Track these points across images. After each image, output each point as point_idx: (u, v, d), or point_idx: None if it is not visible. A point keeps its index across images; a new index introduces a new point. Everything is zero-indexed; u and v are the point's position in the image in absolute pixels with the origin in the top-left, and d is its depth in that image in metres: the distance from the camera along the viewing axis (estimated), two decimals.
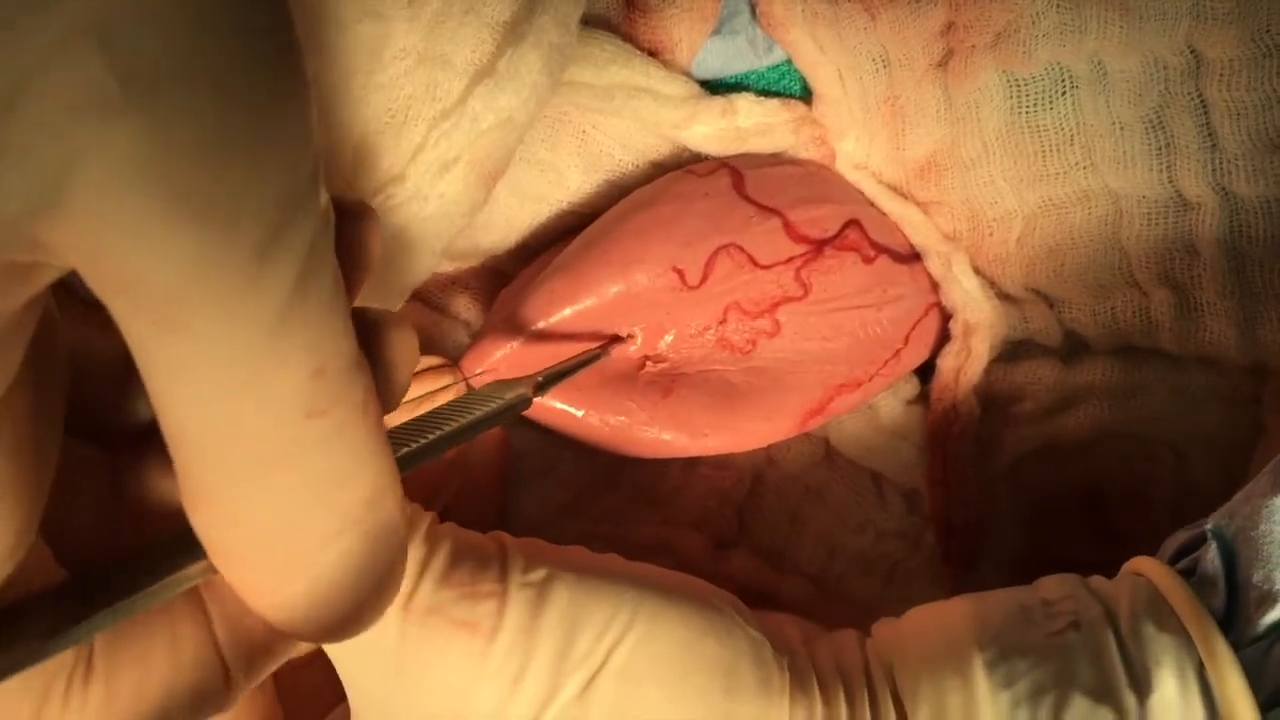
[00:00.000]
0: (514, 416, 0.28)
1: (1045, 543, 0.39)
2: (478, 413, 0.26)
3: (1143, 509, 0.38)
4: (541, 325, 0.35)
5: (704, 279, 0.36)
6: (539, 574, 0.29)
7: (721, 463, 0.41)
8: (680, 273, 0.36)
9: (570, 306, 0.35)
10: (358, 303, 0.34)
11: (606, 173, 0.41)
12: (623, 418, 0.36)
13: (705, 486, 0.40)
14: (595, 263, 0.36)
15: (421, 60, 0.33)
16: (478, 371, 0.34)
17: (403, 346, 0.22)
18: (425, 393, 0.28)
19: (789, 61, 0.39)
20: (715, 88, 0.39)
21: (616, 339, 0.35)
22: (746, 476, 0.41)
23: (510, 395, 0.27)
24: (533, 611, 0.28)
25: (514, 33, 0.33)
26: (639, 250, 0.36)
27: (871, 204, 0.40)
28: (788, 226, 0.37)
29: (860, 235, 0.38)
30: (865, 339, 0.38)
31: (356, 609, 0.18)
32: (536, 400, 0.33)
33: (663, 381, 0.36)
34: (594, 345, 0.34)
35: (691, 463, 0.41)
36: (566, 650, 0.27)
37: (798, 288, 0.37)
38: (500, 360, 0.34)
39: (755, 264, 0.36)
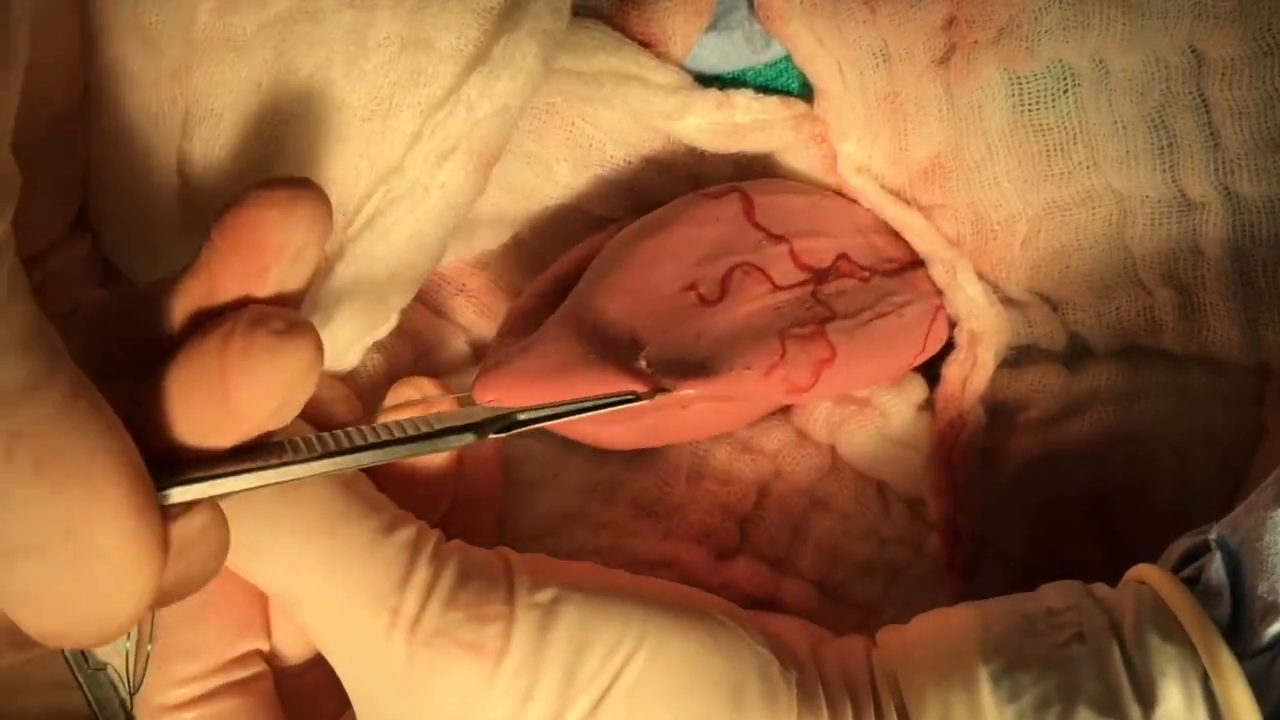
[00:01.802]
0: (454, 448, 0.28)
1: (1049, 547, 0.39)
2: (399, 435, 0.26)
3: (1146, 511, 0.38)
4: (558, 360, 0.34)
5: (722, 294, 0.36)
6: (546, 594, 0.29)
7: (726, 477, 0.40)
8: (694, 288, 0.36)
9: (589, 340, 0.35)
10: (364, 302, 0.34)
11: (597, 167, 0.40)
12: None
13: (709, 501, 0.40)
14: (612, 293, 0.36)
15: (405, 47, 0.33)
16: (488, 401, 0.34)
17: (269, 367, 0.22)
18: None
19: (787, 58, 0.38)
20: (711, 84, 0.39)
21: (658, 389, 0.34)
22: (752, 490, 0.41)
23: (454, 424, 0.27)
24: (540, 633, 0.28)
25: (509, 19, 0.33)
26: (653, 277, 0.36)
27: (860, 234, 0.39)
28: (793, 255, 0.37)
29: (851, 265, 0.38)
30: (895, 347, 0.38)
31: (55, 627, 0.20)
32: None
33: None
34: (622, 391, 0.33)
35: (695, 476, 0.41)
36: (574, 672, 0.27)
37: (822, 309, 0.36)
38: (509, 393, 0.34)
39: (774, 284, 0.36)
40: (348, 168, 0.34)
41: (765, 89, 0.39)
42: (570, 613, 0.28)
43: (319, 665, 0.32)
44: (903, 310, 0.38)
